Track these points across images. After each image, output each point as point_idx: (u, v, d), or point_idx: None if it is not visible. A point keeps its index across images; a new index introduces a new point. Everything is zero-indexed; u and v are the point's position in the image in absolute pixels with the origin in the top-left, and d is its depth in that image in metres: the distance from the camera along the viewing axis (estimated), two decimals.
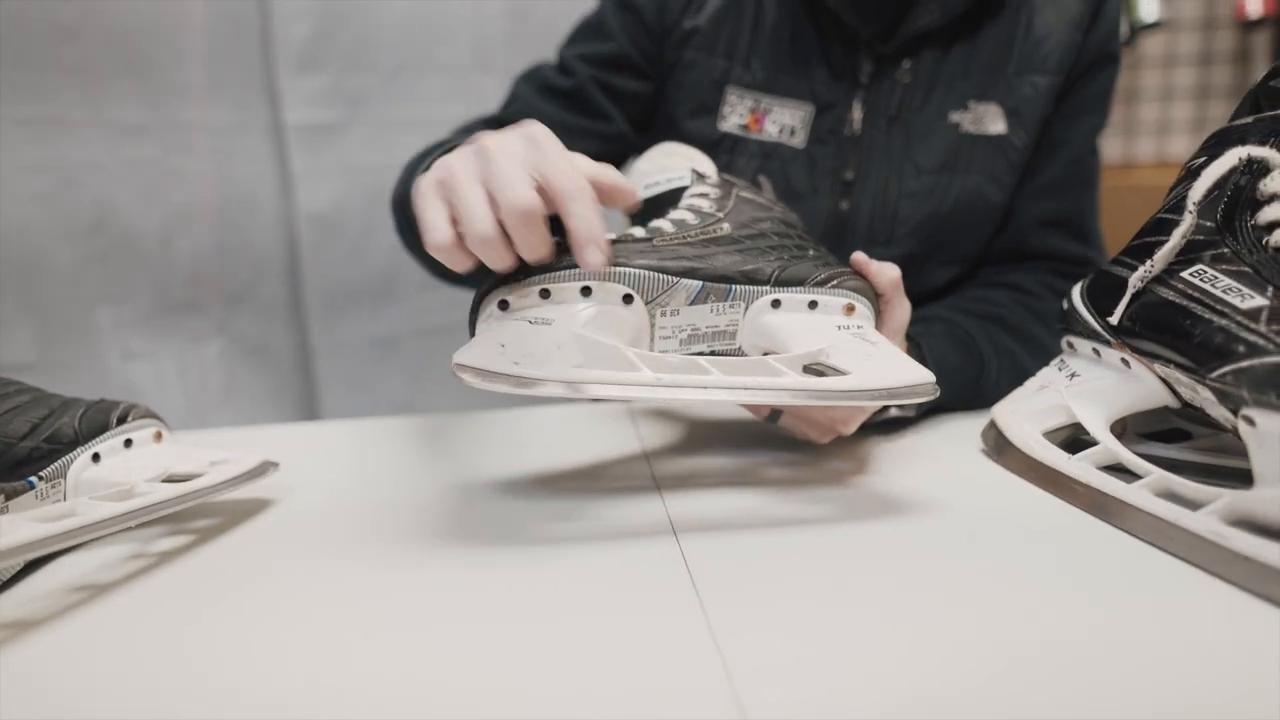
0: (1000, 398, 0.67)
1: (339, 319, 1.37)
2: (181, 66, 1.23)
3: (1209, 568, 0.44)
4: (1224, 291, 0.50)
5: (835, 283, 0.57)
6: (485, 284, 0.54)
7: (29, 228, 1.13)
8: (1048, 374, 0.64)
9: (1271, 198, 0.52)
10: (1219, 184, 0.54)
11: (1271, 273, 0.49)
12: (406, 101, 1.37)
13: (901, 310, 0.60)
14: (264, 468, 0.60)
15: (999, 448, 0.62)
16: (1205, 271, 0.52)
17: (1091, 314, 0.60)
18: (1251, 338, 0.47)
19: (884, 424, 0.69)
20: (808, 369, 0.52)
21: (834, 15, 0.80)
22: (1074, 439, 0.59)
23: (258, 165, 1.30)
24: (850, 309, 0.57)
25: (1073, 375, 0.61)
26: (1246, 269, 0.51)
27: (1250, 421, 0.45)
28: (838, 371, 0.51)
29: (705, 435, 0.70)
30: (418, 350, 1.45)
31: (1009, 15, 0.81)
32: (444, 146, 0.68)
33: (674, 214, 0.62)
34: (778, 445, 0.66)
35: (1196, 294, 0.51)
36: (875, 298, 0.59)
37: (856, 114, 0.81)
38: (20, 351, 1.12)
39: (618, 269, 0.53)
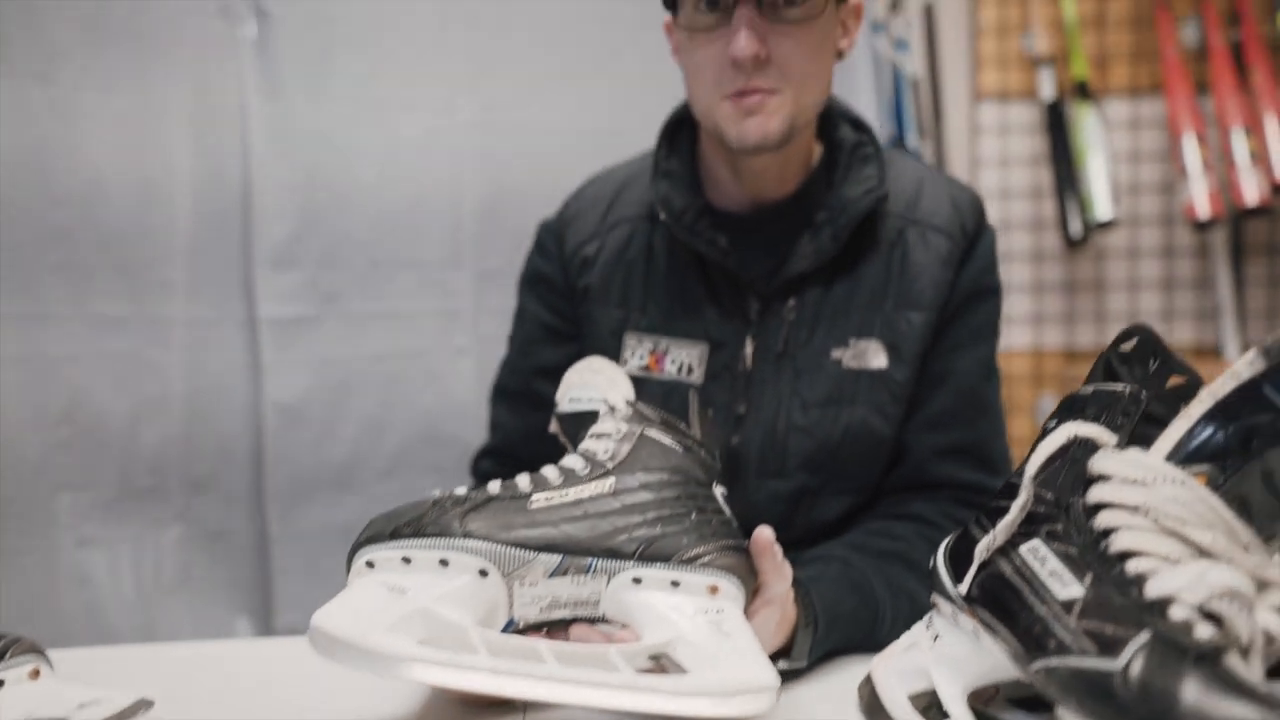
0: (897, 637, 0.67)
1: (299, 507, 1.40)
2: (165, 265, 1.32)
3: None
4: (1049, 575, 0.51)
5: (704, 560, 0.58)
6: (358, 538, 0.57)
7: (1, 416, 1.18)
8: (918, 630, 0.64)
9: (1098, 478, 0.54)
10: (1055, 457, 0.56)
11: (1092, 558, 0.50)
12: (378, 297, 1.44)
13: (780, 580, 0.62)
14: (136, 708, 0.60)
15: (872, 709, 0.62)
16: (1039, 549, 0.53)
17: (949, 577, 0.60)
18: (1061, 633, 0.47)
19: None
20: (652, 659, 0.53)
21: (719, 263, 0.86)
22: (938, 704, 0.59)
23: (229, 357, 1.36)
24: (714, 590, 0.58)
25: (936, 637, 0.61)
26: (1073, 550, 0.52)
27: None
28: (679, 668, 0.52)
29: None
30: None
31: (884, 255, 0.85)
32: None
33: (567, 458, 0.64)
34: None
35: (1027, 574, 0.52)
36: (750, 574, 0.60)
37: (748, 350, 0.85)
38: None
39: (474, 543, 0.55)
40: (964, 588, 0.57)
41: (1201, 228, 2.05)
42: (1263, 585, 0.49)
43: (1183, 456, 0.53)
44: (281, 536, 1.38)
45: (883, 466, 0.87)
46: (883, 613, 0.72)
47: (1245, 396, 0.51)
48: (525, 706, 0.64)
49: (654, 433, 0.65)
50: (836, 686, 0.68)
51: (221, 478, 1.37)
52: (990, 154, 2.30)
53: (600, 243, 0.92)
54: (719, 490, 0.65)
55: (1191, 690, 0.41)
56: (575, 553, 0.56)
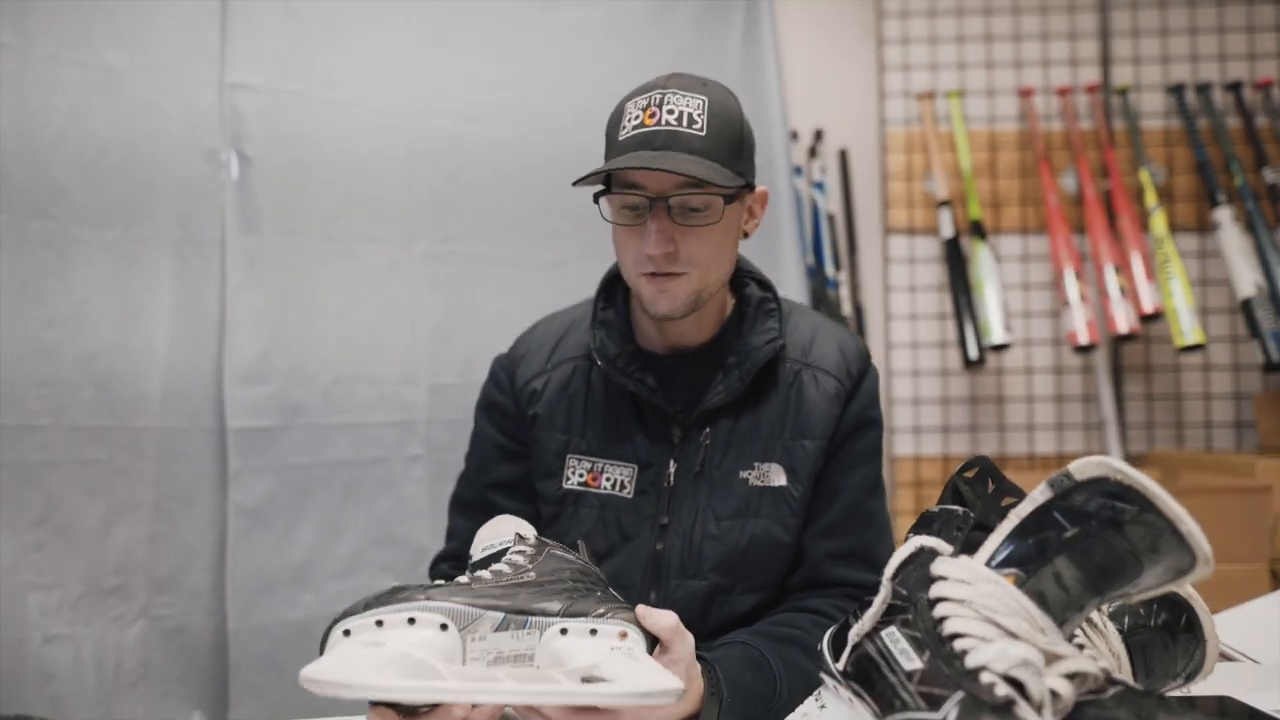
0: (793, 709, 0.80)
1: (258, 604, 1.48)
2: (143, 379, 1.43)
3: None
4: (899, 653, 0.66)
5: (613, 615, 0.73)
6: (334, 619, 0.69)
7: None
8: (809, 703, 0.78)
9: (937, 578, 0.69)
10: (907, 562, 0.72)
11: (930, 639, 0.66)
12: (340, 410, 1.57)
13: (683, 644, 0.75)
14: None
15: None
16: (894, 634, 0.68)
17: (831, 657, 0.75)
18: (905, 695, 0.62)
19: None
20: (584, 679, 0.67)
21: (647, 399, 1.02)
22: None
23: (198, 464, 1.46)
24: (623, 635, 0.73)
25: (823, 706, 0.75)
26: (918, 634, 0.67)
27: None
28: (604, 681, 0.66)
29: None
30: None
31: (783, 393, 1.02)
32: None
33: (495, 566, 0.79)
34: None
35: (885, 652, 0.67)
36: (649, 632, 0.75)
37: (671, 470, 1.00)
38: None
39: (435, 604, 0.68)
40: (841, 664, 0.72)
41: (1082, 351, 2.30)
42: (1053, 658, 0.65)
43: (998, 562, 0.69)
44: (240, 631, 1.45)
45: (785, 569, 1.01)
46: (780, 688, 0.86)
47: (1039, 518, 0.68)
48: None
49: (557, 550, 0.81)
50: None
51: (184, 576, 1.45)
52: (900, 281, 2.55)
53: (547, 378, 1.07)
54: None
55: None
56: (514, 613, 0.70)
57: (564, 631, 0.72)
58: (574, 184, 0.96)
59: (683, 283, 0.96)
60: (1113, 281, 2.27)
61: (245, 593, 1.48)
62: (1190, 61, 2.54)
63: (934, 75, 2.55)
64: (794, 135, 2.44)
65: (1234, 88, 2.48)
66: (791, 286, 2.12)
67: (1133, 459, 2.43)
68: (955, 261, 2.39)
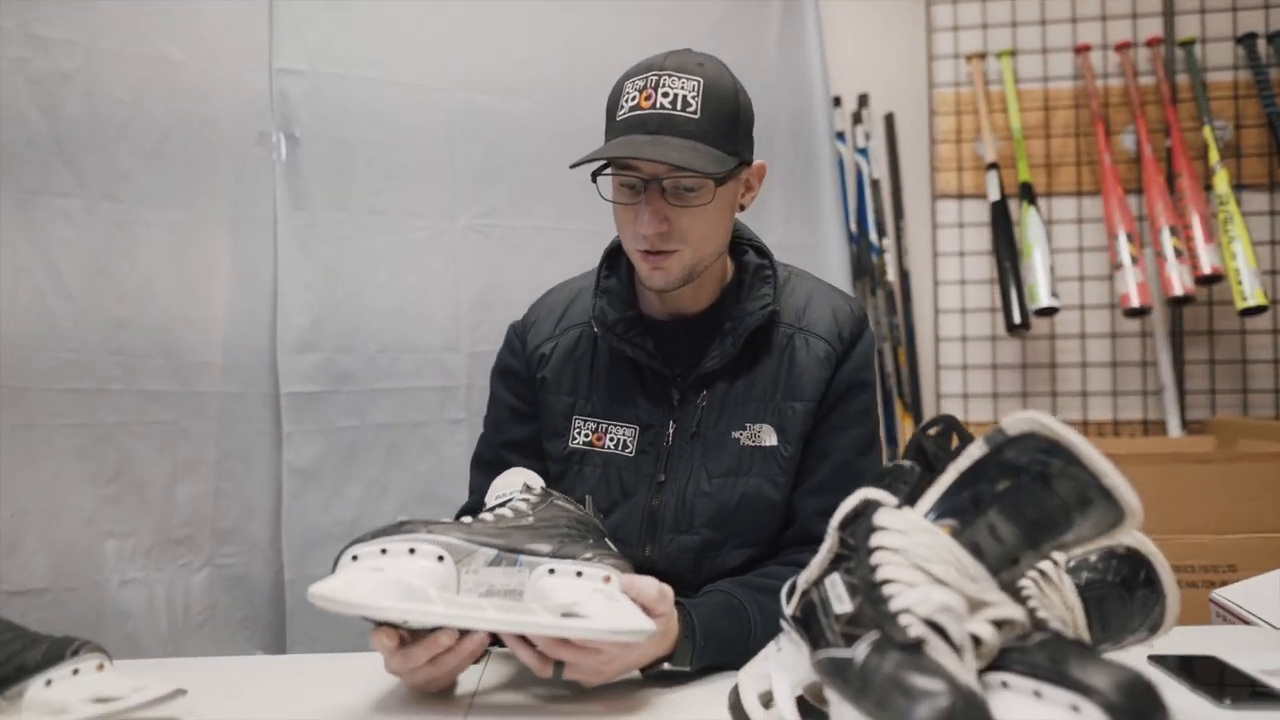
0: None
1: (311, 556, 1.60)
2: (205, 348, 1.55)
3: None
4: (835, 598, 0.71)
5: (597, 560, 0.80)
6: (346, 544, 0.78)
7: (62, 474, 1.41)
8: (768, 649, 0.83)
9: (877, 528, 0.73)
10: (854, 513, 0.76)
11: (863, 585, 0.70)
12: (385, 376, 1.67)
13: (664, 603, 0.83)
14: (174, 694, 0.81)
15: (733, 706, 0.81)
16: (836, 581, 0.73)
17: (786, 604, 0.80)
18: (830, 636, 0.67)
19: (665, 675, 0.88)
20: (564, 615, 0.74)
21: (647, 363, 1.07)
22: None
23: (255, 426, 1.58)
24: (607, 579, 0.80)
25: (779, 649, 0.81)
26: (855, 580, 0.71)
27: (828, 695, 0.64)
28: (582, 617, 0.73)
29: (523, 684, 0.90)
30: None
31: (776, 357, 1.06)
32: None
33: (498, 510, 0.86)
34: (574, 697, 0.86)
35: (824, 598, 0.72)
36: (631, 571, 0.81)
37: (670, 430, 1.06)
38: (36, 579, 1.36)
39: (434, 537, 0.76)
40: (791, 609, 0.77)
41: (1133, 314, 2.25)
42: (980, 605, 0.68)
43: (937, 513, 0.73)
44: (296, 580, 1.58)
45: (776, 526, 1.06)
46: (755, 635, 0.91)
47: (975, 472, 0.71)
48: (470, 701, 0.84)
49: (560, 501, 0.88)
50: (719, 692, 0.87)
51: (245, 529, 1.58)
52: (948, 246, 2.53)
53: (555, 343, 1.13)
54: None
55: (889, 667, 0.60)
56: (506, 550, 0.78)
57: (551, 571, 0.79)
58: (571, 166, 1.01)
59: (676, 259, 1.01)
60: (1169, 243, 2.21)
61: (299, 546, 1.60)
62: (1264, 9, 2.43)
63: (985, 35, 2.50)
64: (837, 101, 2.43)
65: None
66: (833, 254, 2.13)
67: (1192, 426, 2.38)
68: (1001, 225, 2.36)
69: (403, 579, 0.73)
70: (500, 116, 1.78)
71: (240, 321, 1.58)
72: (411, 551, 0.76)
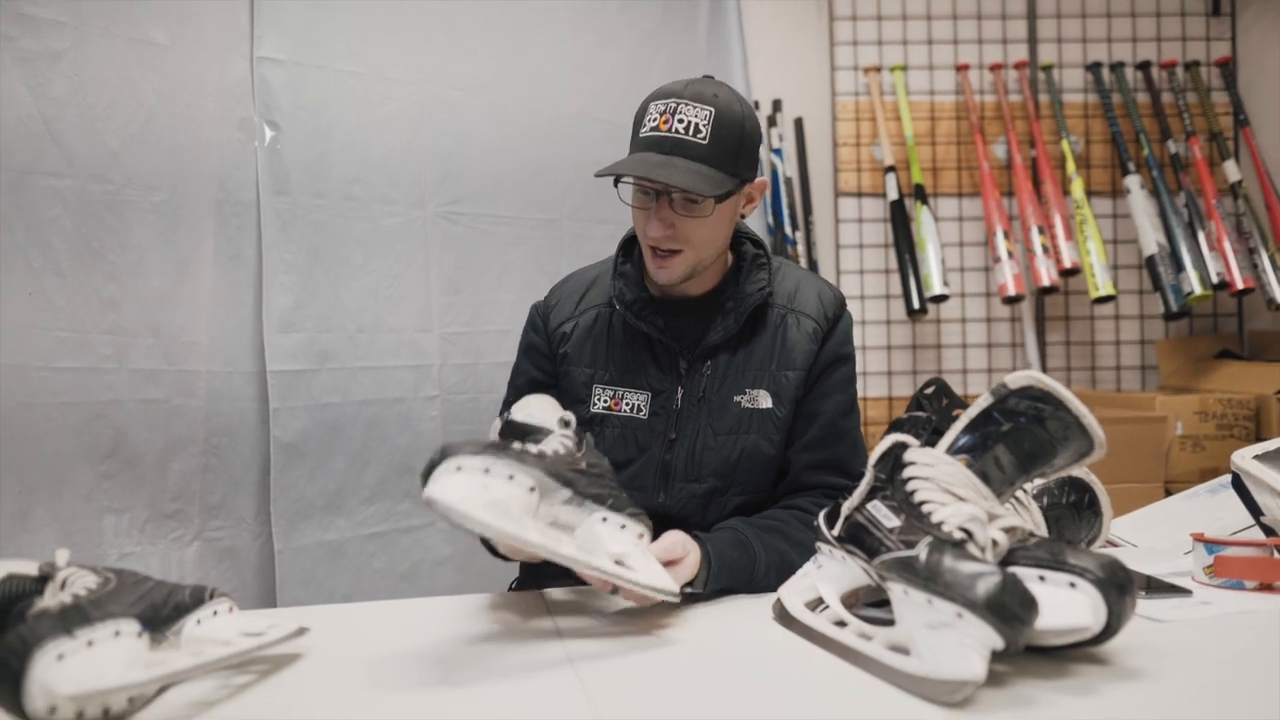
0: (771, 584, 1.04)
1: (297, 528, 1.67)
2: (193, 328, 1.59)
3: (870, 671, 0.81)
4: (882, 517, 0.90)
5: (637, 518, 0.96)
6: (444, 450, 0.85)
7: (61, 452, 1.43)
8: (808, 566, 1.02)
9: (909, 463, 0.93)
10: (886, 454, 0.95)
11: (904, 506, 0.89)
12: (364, 356, 1.75)
13: (690, 550, 1.01)
14: (300, 631, 0.91)
15: (781, 614, 0.99)
16: (878, 505, 0.92)
17: (827, 529, 0.99)
18: (889, 543, 0.86)
19: (689, 597, 1.05)
20: (616, 562, 0.90)
21: (658, 338, 1.23)
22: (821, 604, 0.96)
23: (242, 404, 1.64)
24: (640, 535, 0.96)
25: (819, 565, 0.99)
26: (894, 504, 0.90)
27: (889, 588, 0.83)
28: (630, 569, 0.89)
29: (598, 607, 1.04)
30: (360, 553, 1.75)
31: (770, 332, 1.24)
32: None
33: (549, 444, 0.99)
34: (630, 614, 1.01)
35: (871, 519, 0.91)
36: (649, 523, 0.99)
37: (679, 396, 1.23)
38: (45, 552, 1.37)
39: (529, 470, 0.88)
40: (836, 531, 0.95)
41: (1010, 302, 2.58)
42: (993, 517, 0.89)
43: (954, 451, 0.93)
44: (284, 551, 1.64)
45: (771, 477, 1.25)
46: (759, 564, 1.09)
47: (983, 417, 0.92)
48: (556, 626, 0.98)
49: (589, 441, 1.04)
50: (754, 614, 1.04)
51: (232, 504, 1.63)
52: (849, 239, 2.80)
53: (575, 322, 1.28)
54: None
55: (949, 560, 0.80)
56: (578, 493, 0.92)
57: (604, 520, 0.94)
58: (596, 175, 1.16)
59: (680, 259, 1.17)
60: (1037, 240, 2.55)
61: (287, 518, 1.66)
62: (1106, 42, 2.82)
63: (880, 50, 2.78)
64: (756, 105, 2.64)
65: (1143, 67, 2.76)
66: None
67: None
68: (899, 221, 2.64)
69: (502, 501, 0.85)
70: (466, 110, 1.89)
71: (225, 301, 1.63)
72: (510, 478, 0.87)
